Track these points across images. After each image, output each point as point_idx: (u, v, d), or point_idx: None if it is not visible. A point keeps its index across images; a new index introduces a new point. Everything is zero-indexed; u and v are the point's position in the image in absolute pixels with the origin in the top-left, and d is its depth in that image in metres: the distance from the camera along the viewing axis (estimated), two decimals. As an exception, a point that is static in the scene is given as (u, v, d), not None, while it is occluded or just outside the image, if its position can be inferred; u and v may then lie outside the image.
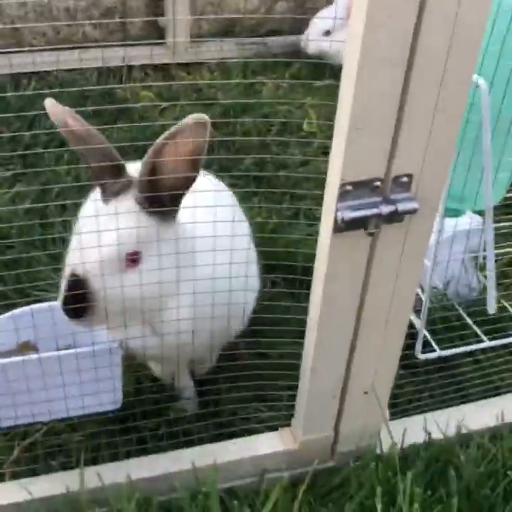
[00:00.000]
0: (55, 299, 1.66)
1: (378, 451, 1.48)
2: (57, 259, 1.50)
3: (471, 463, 1.46)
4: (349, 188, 1.06)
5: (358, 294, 1.23)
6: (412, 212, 1.09)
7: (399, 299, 1.26)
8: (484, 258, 1.87)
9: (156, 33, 3.37)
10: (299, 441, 1.48)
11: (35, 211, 2.27)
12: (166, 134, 1.23)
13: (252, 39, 3.43)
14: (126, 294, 1.26)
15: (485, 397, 1.69)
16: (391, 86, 0.97)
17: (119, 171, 1.32)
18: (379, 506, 1.26)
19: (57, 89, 2.93)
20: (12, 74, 3.03)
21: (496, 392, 1.73)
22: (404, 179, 1.08)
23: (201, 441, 1.52)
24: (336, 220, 1.08)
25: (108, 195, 1.31)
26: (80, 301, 1.24)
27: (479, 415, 1.64)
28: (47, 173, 2.44)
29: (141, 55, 3.20)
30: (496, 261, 1.62)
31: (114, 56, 3.17)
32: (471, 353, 1.77)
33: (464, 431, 1.59)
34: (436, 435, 1.56)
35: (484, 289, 1.82)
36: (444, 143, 1.05)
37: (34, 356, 1.29)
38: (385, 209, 1.07)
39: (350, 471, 1.47)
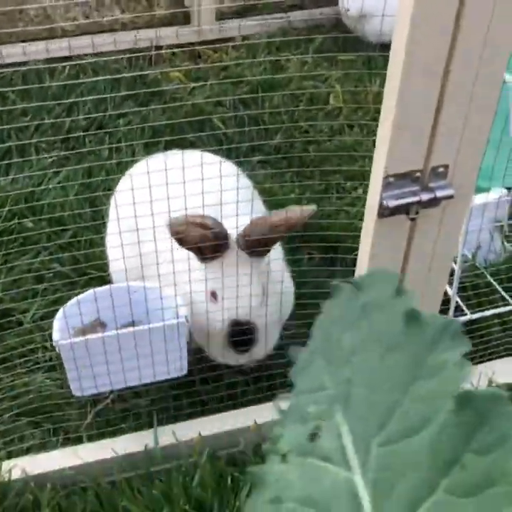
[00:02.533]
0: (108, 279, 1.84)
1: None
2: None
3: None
4: (392, 179, 1.19)
5: (397, 270, 1.38)
6: (449, 197, 1.23)
7: (435, 274, 1.40)
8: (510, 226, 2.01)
9: (181, 15, 3.47)
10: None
11: (83, 194, 2.42)
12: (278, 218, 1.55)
13: (275, 15, 3.52)
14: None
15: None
16: (430, 90, 1.10)
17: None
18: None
19: (91, 79, 3.06)
20: (47, 59, 3.16)
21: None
22: (441, 169, 1.22)
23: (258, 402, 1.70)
24: (380, 207, 1.22)
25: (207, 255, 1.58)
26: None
27: (507, 370, 1.79)
28: (89, 157, 2.60)
29: (168, 36, 3.31)
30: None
31: (143, 38, 3.28)
32: (499, 315, 1.91)
33: (493, 384, 1.75)
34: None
35: (511, 256, 1.96)
36: (476, 136, 1.19)
37: (112, 333, 1.46)
38: (425, 196, 1.21)
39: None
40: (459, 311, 1.84)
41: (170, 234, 1.51)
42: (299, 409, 0.58)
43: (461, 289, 1.91)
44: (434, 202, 1.23)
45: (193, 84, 3.10)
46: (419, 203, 1.22)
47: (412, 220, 1.25)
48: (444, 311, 1.79)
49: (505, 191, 1.97)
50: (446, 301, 1.81)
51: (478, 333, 1.88)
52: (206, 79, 3.15)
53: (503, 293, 1.86)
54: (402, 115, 1.11)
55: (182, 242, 1.53)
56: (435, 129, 1.16)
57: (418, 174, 1.21)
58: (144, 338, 1.45)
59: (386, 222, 1.26)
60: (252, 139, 2.78)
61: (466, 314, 1.81)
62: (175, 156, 1.81)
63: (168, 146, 2.33)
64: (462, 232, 1.76)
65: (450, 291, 1.81)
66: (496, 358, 1.84)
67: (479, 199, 1.94)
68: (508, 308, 1.83)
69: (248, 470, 0.74)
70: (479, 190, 1.77)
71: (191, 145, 2.52)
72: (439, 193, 1.22)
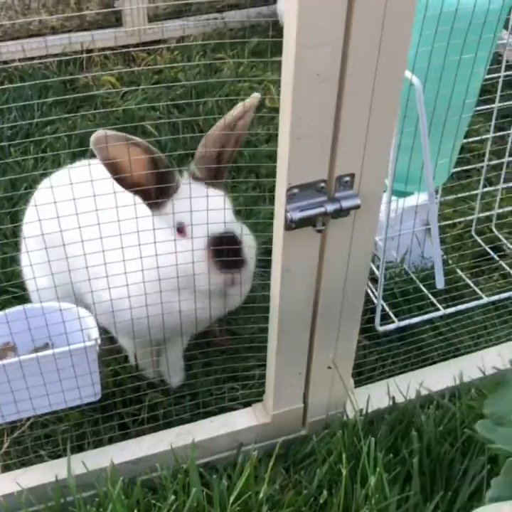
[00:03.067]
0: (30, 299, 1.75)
1: (345, 418, 1.60)
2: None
3: (431, 422, 1.58)
4: (296, 190, 1.14)
5: (313, 282, 1.33)
6: (356, 207, 1.18)
7: (351, 284, 1.36)
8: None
9: (113, 17, 3.38)
10: (270, 414, 1.60)
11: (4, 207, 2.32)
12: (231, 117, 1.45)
13: (210, 15, 3.45)
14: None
15: (445, 360, 1.81)
16: (325, 98, 1.05)
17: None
18: (344, 471, 1.38)
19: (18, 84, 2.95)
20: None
21: (455, 354, 1.84)
22: (347, 178, 1.17)
23: (180, 422, 1.63)
24: (286, 220, 1.17)
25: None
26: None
27: (439, 377, 1.76)
28: (14, 167, 2.49)
29: (99, 39, 3.22)
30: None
31: (73, 42, 3.18)
32: (430, 320, 1.88)
33: (425, 392, 1.71)
34: (400, 399, 1.68)
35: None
36: (379, 144, 1.14)
37: (14, 360, 1.37)
38: (331, 207, 1.16)
39: (320, 439, 1.59)
40: (389, 318, 1.80)
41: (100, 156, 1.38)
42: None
43: (392, 296, 1.88)
44: (341, 212, 1.18)
45: (125, 89, 3.01)
46: (325, 214, 1.17)
47: (319, 231, 1.20)
48: (372, 318, 1.76)
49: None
50: (374, 308, 1.78)
51: (411, 340, 1.85)
52: (139, 83, 3.07)
53: (432, 298, 1.83)
54: (299, 125, 1.06)
55: (123, 181, 1.39)
56: (337, 138, 1.11)
57: (323, 184, 1.16)
58: (49, 363, 1.37)
59: (294, 235, 1.21)
60: (185, 144, 2.71)
61: (393, 322, 1.77)
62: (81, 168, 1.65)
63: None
64: (384, 239, 1.72)
65: (375, 299, 1.77)
66: (429, 365, 1.80)
67: (409, 202, 1.91)
68: (437, 313, 1.80)
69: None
70: (397, 193, 1.73)
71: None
72: (346, 204, 1.17)
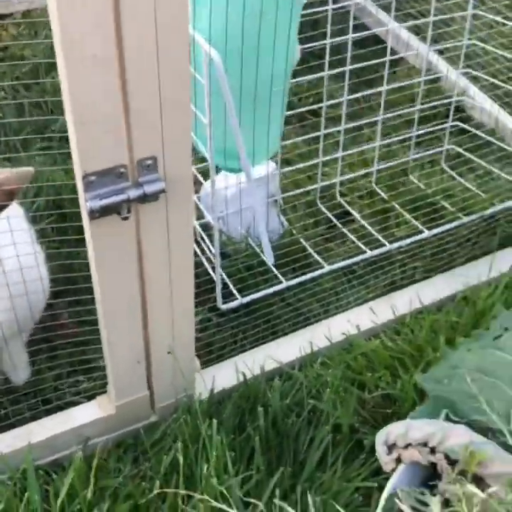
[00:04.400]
0: None
1: (191, 401, 1.59)
2: None
3: (277, 396, 1.58)
4: (93, 178, 1.09)
5: (134, 269, 1.29)
6: (161, 192, 1.14)
7: (177, 268, 1.33)
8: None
9: None
10: (114, 405, 1.55)
11: None
12: None
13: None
14: None
15: (295, 331, 1.82)
16: (105, 81, 0.99)
17: None
18: (180, 458, 1.36)
19: None
20: None
21: (306, 323, 1.86)
22: (149, 162, 1.12)
23: (25, 422, 1.57)
24: (87, 210, 1.11)
25: None
26: None
27: (289, 348, 1.76)
28: None
29: None
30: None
31: None
32: (280, 292, 1.88)
33: (274, 366, 1.72)
34: (249, 375, 1.67)
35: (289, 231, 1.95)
36: (177, 124, 1.10)
37: None
38: (133, 193, 1.12)
39: (168, 425, 1.57)
40: (230, 297, 1.79)
41: None
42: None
43: (238, 271, 1.86)
44: (147, 197, 1.14)
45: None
46: (129, 200, 1.12)
47: (125, 219, 1.15)
48: (211, 299, 1.74)
49: (273, 165, 1.93)
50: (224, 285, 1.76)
51: (261, 313, 1.85)
52: (-19, 61, 2.88)
53: (275, 271, 1.83)
54: (81, 109, 1.00)
55: None
56: (129, 121, 1.06)
57: (123, 170, 1.11)
58: None
59: (101, 224, 1.16)
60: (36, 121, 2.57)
61: (237, 299, 1.76)
62: None
63: None
64: (217, 217, 1.69)
65: (215, 277, 1.74)
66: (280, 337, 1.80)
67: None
68: (280, 286, 1.80)
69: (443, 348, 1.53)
70: (229, 169, 1.71)
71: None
72: (149, 188, 1.13)
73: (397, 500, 1.02)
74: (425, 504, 1.02)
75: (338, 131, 2.01)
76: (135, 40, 0.97)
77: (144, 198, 1.14)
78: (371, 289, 1.94)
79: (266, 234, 1.61)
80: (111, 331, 1.38)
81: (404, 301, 1.85)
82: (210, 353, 1.77)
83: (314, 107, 2.03)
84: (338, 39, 1.87)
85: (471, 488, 0.90)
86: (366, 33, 2.13)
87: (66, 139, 1.07)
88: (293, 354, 1.75)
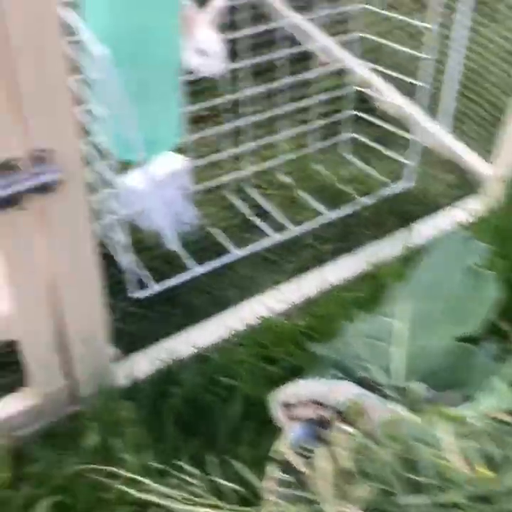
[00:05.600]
0: None
1: (110, 388, 1.65)
2: None
3: (191, 375, 1.66)
4: (-14, 171, 1.14)
5: (41, 262, 1.35)
6: (58, 182, 1.21)
7: (83, 259, 1.39)
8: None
9: None
10: (37, 396, 1.60)
11: None
12: None
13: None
14: None
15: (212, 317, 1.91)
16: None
17: None
18: (99, 439, 1.42)
19: None
20: None
21: (223, 309, 1.94)
22: (44, 154, 1.19)
23: None
24: (-16, 202, 1.17)
25: None
26: None
27: (206, 334, 1.84)
28: None
29: None
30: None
31: None
32: (198, 279, 1.96)
33: (193, 351, 1.79)
34: (168, 361, 1.75)
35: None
36: (67, 118, 1.17)
37: None
38: (28, 183, 1.18)
39: (90, 414, 1.63)
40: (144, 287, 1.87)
41: None
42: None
43: (156, 261, 1.94)
44: (44, 189, 1.21)
45: None
46: (26, 191, 1.19)
47: (25, 209, 1.21)
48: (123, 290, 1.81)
49: (184, 158, 2.01)
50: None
51: (180, 301, 1.92)
52: None
53: (186, 259, 1.91)
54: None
55: None
56: (18, 112, 1.12)
57: (16, 161, 1.17)
58: None
59: (3, 216, 1.22)
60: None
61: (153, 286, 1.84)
62: None
63: None
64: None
65: (126, 267, 1.80)
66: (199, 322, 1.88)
67: (164, 169, 1.96)
68: (193, 273, 1.88)
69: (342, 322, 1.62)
70: (129, 162, 1.77)
71: None
72: (45, 179, 1.19)
73: (286, 451, 1.11)
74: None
75: (252, 126, 2.10)
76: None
77: (42, 189, 1.20)
78: (284, 273, 2.04)
79: (170, 223, 1.67)
80: (23, 325, 1.43)
81: (313, 282, 1.96)
82: (132, 343, 1.83)
83: (216, 102, 2.09)
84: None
85: (345, 427, 1.00)
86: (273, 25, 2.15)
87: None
88: (210, 339, 1.84)
